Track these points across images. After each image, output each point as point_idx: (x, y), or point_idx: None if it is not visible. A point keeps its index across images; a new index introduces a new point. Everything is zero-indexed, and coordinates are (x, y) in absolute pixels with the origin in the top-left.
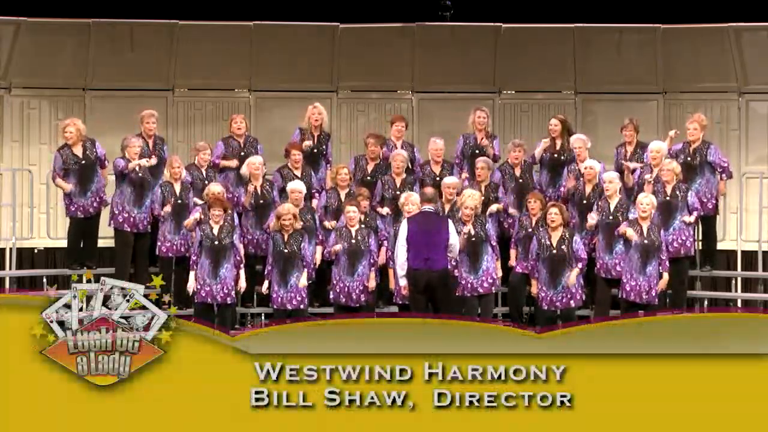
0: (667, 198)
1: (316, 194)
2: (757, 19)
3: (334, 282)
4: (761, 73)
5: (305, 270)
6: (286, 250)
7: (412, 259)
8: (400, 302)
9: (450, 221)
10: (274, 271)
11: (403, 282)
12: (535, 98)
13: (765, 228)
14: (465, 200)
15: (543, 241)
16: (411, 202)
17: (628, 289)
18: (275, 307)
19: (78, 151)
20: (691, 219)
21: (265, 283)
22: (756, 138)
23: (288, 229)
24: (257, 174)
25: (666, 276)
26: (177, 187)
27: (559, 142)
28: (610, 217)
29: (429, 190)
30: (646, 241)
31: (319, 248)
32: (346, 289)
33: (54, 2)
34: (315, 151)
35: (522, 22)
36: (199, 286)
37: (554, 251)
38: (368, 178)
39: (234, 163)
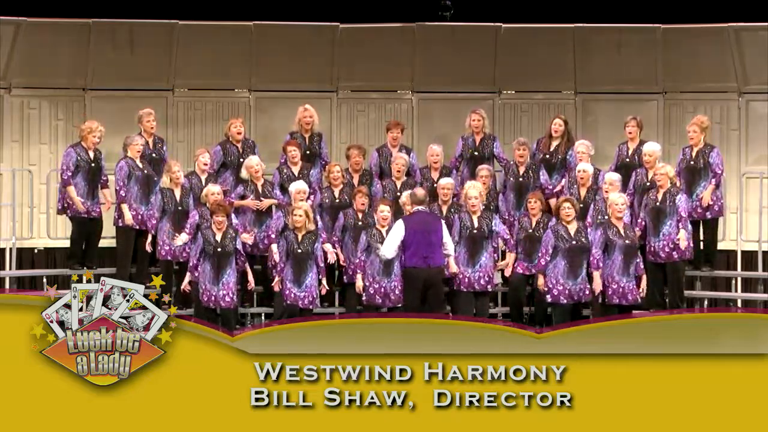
0: (657, 204)
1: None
2: (757, 19)
3: (368, 283)
4: (761, 73)
5: (322, 273)
6: (299, 251)
7: (410, 258)
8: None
9: (442, 221)
10: (287, 270)
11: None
12: (535, 98)
13: (765, 228)
14: (467, 191)
15: (560, 233)
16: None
17: (610, 292)
18: (288, 302)
19: (91, 153)
20: (684, 242)
21: (277, 279)
22: (756, 138)
23: (300, 228)
24: (258, 175)
25: (644, 277)
26: (177, 193)
27: (554, 143)
28: (606, 217)
29: (420, 192)
30: (627, 242)
31: (328, 246)
32: (383, 290)
33: (54, 2)
34: (308, 152)
35: (522, 22)
36: (201, 291)
37: (574, 242)
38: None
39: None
